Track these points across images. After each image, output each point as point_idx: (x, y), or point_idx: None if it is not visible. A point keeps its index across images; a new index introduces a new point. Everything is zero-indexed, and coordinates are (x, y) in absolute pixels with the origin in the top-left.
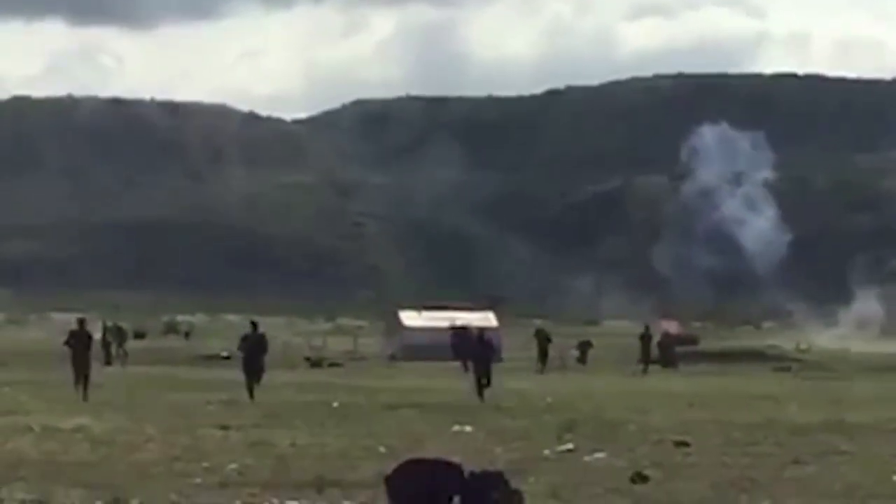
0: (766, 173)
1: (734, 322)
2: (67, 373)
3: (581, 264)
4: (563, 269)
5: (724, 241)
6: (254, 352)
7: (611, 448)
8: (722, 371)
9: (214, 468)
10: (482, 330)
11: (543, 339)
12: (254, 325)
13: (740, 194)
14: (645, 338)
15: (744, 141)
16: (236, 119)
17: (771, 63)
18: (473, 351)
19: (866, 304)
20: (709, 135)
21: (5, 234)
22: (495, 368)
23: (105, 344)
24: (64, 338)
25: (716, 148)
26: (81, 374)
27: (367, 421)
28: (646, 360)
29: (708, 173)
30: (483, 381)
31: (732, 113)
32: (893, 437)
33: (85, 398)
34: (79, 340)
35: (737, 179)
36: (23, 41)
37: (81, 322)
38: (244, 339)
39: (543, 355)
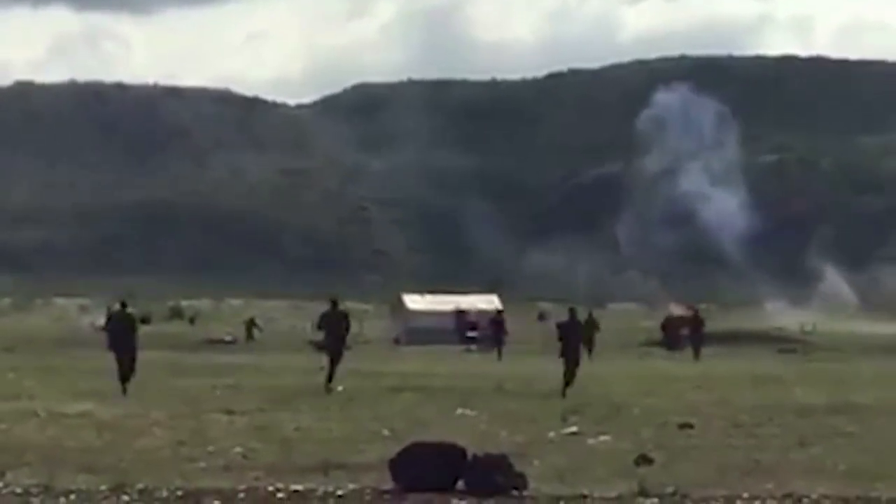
0: (732, 149)
1: (730, 303)
2: (109, 360)
3: (584, 248)
4: (566, 253)
5: (692, 217)
6: (336, 331)
7: (615, 431)
8: (726, 353)
9: (219, 452)
10: (574, 310)
11: (592, 327)
12: (334, 302)
13: (702, 169)
14: (696, 321)
15: (707, 111)
16: (240, 104)
17: (774, 45)
18: (568, 335)
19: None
20: (668, 101)
21: (10, 220)
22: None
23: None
24: (102, 322)
25: (680, 118)
26: (126, 362)
27: (371, 404)
28: (696, 344)
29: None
30: (574, 370)
31: (736, 95)
32: None
33: (124, 390)
34: (120, 324)
35: (696, 155)
36: (27, 26)
37: (123, 304)
38: (324, 316)
39: (590, 343)
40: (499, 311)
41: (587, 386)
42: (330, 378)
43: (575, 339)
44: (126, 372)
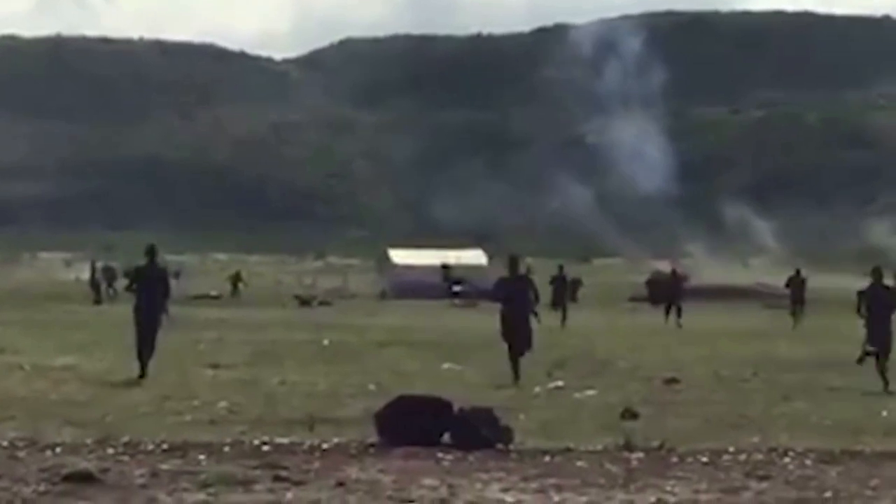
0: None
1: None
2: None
3: (570, 202)
4: (550, 207)
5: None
6: (522, 304)
7: (601, 385)
8: (712, 308)
9: (205, 406)
10: (879, 271)
11: (666, 284)
12: (513, 260)
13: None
14: (796, 281)
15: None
16: (226, 58)
17: (761, 0)
18: (874, 304)
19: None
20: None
21: None
22: (490, 309)
23: (95, 284)
24: (126, 279)
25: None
26: (148, 333)
27: (357, 359)
28: (797, 302)
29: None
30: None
31: (723, 50)
32: None
33: (143, 370)
34: (148, 282)
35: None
36: None
37: (152, 252)
38: (503, 282)
39: (668, 302)
40: (561, 267)
41: (572, 341)
42: (517, 370)
43: (885, 308)
44: (148, 348)
